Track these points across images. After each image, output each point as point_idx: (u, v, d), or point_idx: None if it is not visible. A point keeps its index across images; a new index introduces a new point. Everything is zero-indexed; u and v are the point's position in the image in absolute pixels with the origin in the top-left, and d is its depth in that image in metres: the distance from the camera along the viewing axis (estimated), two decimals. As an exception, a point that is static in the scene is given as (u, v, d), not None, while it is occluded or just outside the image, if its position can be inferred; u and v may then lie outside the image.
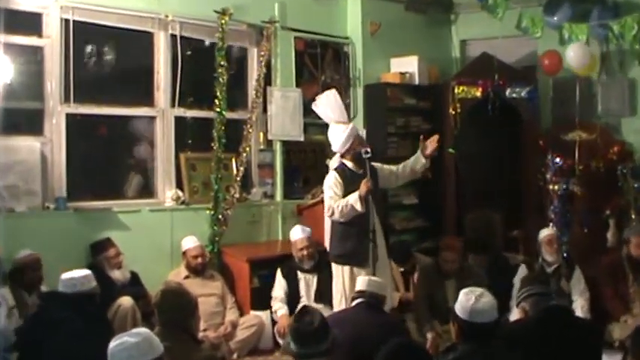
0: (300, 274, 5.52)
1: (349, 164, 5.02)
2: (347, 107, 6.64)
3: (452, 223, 6.96)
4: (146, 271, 5.45)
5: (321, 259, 5.49)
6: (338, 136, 4.99)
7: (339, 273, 4.96)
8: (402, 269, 5.76)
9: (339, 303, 4.90)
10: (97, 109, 5.69)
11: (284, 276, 5.55)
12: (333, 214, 4.85)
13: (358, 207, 4.74)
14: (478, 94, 6.91)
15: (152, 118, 5.99)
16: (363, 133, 6.42)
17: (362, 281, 4.12)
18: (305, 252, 5.48)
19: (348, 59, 7.07)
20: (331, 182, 4.92)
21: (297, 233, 5.59)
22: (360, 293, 4.06)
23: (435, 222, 7.06)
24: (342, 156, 5.07)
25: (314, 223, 5.82)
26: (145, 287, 5.31)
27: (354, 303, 4.08)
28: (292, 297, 5.51)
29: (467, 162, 7.03)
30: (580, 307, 5.40)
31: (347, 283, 4.87)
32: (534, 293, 3.97)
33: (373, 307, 4.02)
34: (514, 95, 6.92)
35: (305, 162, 6.84)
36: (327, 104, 5.14)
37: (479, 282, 4.69)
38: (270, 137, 6.52)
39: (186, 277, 5.48)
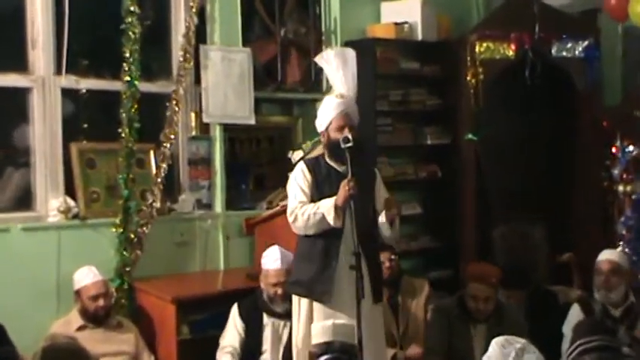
0: (266, 319, 5.53)
1: (328, 157, 5.10)
2: (317, 74, 6.78)
3: (472, 242, 6.98)
4: (18, 320, 5.31)
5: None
6: (322, 111, 5.07)
7: (296, 308, 5.06)
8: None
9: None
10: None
11: (243, 317, 5.54)
12: (295, 220, 4.94)
13: (330, 219, 4.77)
14: (510, 53, 6.93)
15: (26, 91, 5.92)
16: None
17: (325, 329, 4.09)
18: (280, 289, 5.44)
19: (318, 4, 7.12)
20: (297, 176, 5.04)
21: (274, 260, 5.53)
22: (325, 346, 4.00)
23: (449, 241, 7.10)
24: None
25: (271, 243, 5.75)
26: (14, 346, 5.09)
27: None
28: (250, 349, 5.52)
29: (494, 153, 7.06)
30: (669, 368, 5.18)
31: (301, 327, 4.96)
32: (595, 347, 3.93)
33: None
34: (564, 54, 6.93)
35: (258, 155, 6.90)
36: (345, 64, 5.08)
37: (518, 329, 4.76)
38: (205, 120, 6.49)
39: (82, 328, 5.42)
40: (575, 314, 5.45)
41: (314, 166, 5.05)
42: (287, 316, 5.40)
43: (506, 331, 4.28)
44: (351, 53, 5.15)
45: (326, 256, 4.92)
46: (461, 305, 5.45)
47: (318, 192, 4.95)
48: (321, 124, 5.02)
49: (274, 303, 5.46)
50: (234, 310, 5.54)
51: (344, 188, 4.70)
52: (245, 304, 5.55)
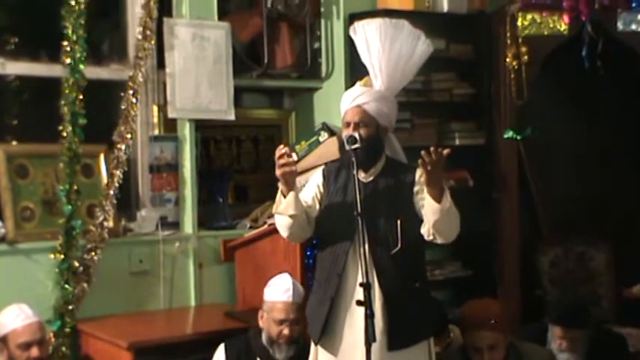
0: None
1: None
2: (314, 56, 6.87)
3: (514, 269, 6.97)
4: None
5: (307, 345, 5.33)
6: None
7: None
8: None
9: None
10: None
11: None
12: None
13: (274, 207, 4.84)
14: (562, 27, 6.88)
15: None
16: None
17: None
18: (287, 330, 5.28)
19: (315, -34, 7.13)
20: (311, 179, 5.18)
21: (283, 290, 5.40)
22: None
23: (484, 269, 7.11)
24: None
25: (256, 272, 5.90)
26: None
27: None
28: None
29: (542, 156, 7.10)
30: None
31: None
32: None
33: None
34: (634, 28, 6.79)
35: (239, 159, 6.98)
36: (377, 35, 5.03)
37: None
38: (172, 115, 6.43)
39: (9, 386, 5.34)
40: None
41: (332, 171, 5.04)
42: None
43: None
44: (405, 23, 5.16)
45: (326, 283, 4.88)
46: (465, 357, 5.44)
47: (328, 203, 4.94)
48: (342, 114, 5.10)
49: (275, 347, 5.29)
50: (220, 352, 5.38)
51: (280, 164, 4.64)
52: (235, 346, 5.39)
